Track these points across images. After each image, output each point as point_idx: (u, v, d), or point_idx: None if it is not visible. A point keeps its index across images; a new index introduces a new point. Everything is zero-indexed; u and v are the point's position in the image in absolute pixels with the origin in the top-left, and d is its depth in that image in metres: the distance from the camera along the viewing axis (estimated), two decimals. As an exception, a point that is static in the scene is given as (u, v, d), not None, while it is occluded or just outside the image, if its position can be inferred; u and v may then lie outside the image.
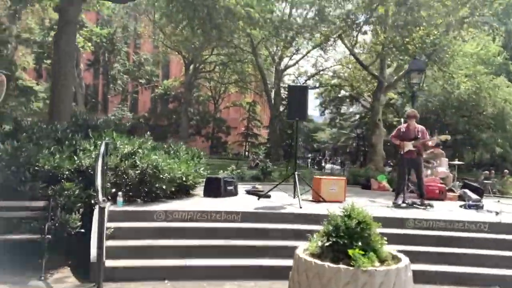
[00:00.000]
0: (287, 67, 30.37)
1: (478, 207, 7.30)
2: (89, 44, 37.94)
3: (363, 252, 3.73)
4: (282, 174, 12.35)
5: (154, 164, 6.19)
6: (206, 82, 43.46)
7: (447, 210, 7.18)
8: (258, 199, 7.34)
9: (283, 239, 5.44)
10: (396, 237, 5.66)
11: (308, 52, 29.03)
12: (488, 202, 8.76)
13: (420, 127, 7.75)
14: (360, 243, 3.81)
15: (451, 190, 9.37)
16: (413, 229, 5.90)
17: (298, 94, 7.21)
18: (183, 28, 20.54)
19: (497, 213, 6.22)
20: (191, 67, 37.60)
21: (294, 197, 7.10)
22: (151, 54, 38.57)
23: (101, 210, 4.54)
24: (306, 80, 31.83)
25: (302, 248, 4.19)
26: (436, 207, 7.44)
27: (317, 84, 32.21)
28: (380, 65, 17.89)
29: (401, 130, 7.58)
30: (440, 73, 14.27)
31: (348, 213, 4.08)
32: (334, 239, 3.90)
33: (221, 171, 11.63)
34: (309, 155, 39.61)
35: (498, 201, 7.46)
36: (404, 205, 7.19)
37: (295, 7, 20.21)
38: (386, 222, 5.97)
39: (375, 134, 17.88)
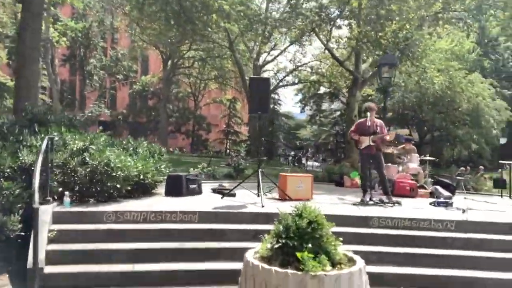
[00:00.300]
0: (265, 63, 30.05)
1: (447, 204, 7.12)
2: (64, 39, 36.96)
3: (313, 255, 3.46)
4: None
5: (106, 161, 5.80)
6: (185, 78, 42.91)
7: (415, 207, 6.99)
8: (222, 197, 7.02)
9: (240, 241, 5.13)
10: (359, 236, 5.44)
11: (286, 48, 28.81)
12: (460, 199, 8.67)
13: (379, 121, 7.54)
14: (311, 245, 3.53)
15: (422, 187, 9.21)
16: (378, 228, 5.65)
17: (260, 86, 6.85)
18: (155, 21, 20.08)
19: (463, 211, 6.03)
20: (169, 62, 37.02)
21: (258, 196, 6.81)
22: (128, 49, 37.70)
23: (36, 211, 4.16)
24: (284, 76, 31.60)
25: (253, 250, 3.91)
26: (404, 204, 7.25)
27: (296, 80, 31.95)
28: (355, 60, 17.73)
29: (362, 124, 7.36)
30: (413, 68, 14.17)
31: (300, 212, 3.79)
32: (283, 241, 3.61)
33: (192, 168, 11.24)
34: (291, 152, 39.44)
35: (465, 198, 7.32)
36: (371, 202, 6.98)
37: (271, 1, 19.86)
38: (350, 221, 5.78)
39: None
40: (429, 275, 4.81)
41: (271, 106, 38.17)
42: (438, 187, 8.95)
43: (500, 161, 10.88)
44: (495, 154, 22.40)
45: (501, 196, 10.24)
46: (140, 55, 47.17)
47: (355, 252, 4.94)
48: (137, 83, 45.23)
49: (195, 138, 44.40)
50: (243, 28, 18.36)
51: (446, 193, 8.73)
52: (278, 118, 38.67)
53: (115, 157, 6.03)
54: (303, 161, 29.85)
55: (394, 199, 7.21)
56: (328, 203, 7.05)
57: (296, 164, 30.12)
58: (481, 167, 17.61)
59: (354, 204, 6.85)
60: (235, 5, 15.42)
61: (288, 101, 73.33)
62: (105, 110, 43.06)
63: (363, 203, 6.97)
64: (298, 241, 3.59)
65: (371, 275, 4.68)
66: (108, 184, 5.85)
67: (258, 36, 20.71)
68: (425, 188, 9.13)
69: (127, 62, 44.69)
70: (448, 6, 19.10)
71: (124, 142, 7.47)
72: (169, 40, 29.11)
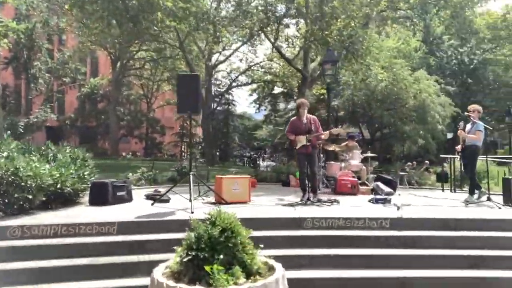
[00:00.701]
0: (218, 63, 29.61)
1: (385, 201, 7.02)
2: (6, 40, 34.86)
3: (226, 267, 3.11)
4: (202, 175, 11.61)
5: (13, 170, 5.19)
6: (136, 80, 41.69)
7: (354, 206, 6.82)
8: (153, 204, 6.55)
9: (162, 252, 4.69)
10: (291, 240, 5.17)
11: (238, 48, 28.52)
12: (403, 195, 8.67)
13: (312, 117, 7.39)
14: (223, 256, 3.17)
15: (364, 184, 9.13)
16: (311, 230, 5.39)
17: (189, 83, 6.42)
18: (97, 20, 19.15)
19: (398, 208, 5.90)
20: (118, 64, 35.79)
21: (190, 201, 6.39)
22: (74, 50, 36.08)
23: None
24: (237, 76, 31.33)
25: (165, 265, 3.50)
26: (344, 202, 7.09)
27: (249, 80, 31.73)
28: (304, 59, 17.68)
29: (296, 123, 7.15)
30: (358, 65, 14.25)
31: (213, 219, 3.43)
32: (194, 253, 3.23)
33: (131, 173, 10.67)
34: (248, 153, 39.24)
35: (399, 194, 7.28)
36: (309, 202, 6.74)
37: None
38: (283, 223, 5.50)
39: (301, 129, 17.62)
40: (359, 277, 4.58)
41: (226, 107, 37.86)
42: (379, 183, 8.87)
43: (441, 155, 11.04)
44: (442, 148, 23.13)
45: (443, 190, 10.38)
46: (89, 56, 45.48)
47: (286, 257, 4.67)
48: (86, 86, 43.47)
49: (148, 141, 43.19)
50: (190, 28, 17.82)
51: (387, 189, 8.66)
52: (233, 119, 38.30)
53: (25, 164, 5.43)
54: (258, 161, 29.64)
55: (333, 197, 7.04)
56: (264, 204, 6.76)
57: (251, 165, 29.90)
58: (426, 161, 18.01)
59: (291, 205, 6.58)
60: (177, 2, 14.83)
61: (244, 102, 73.15)
62: (51, 115, 40.98)
63: (301, 203, 6.72)
64: (210, 253, 3.22)
65: (299, 281, 4.43)
66: (16, 195, 5.24)
67: (207, 35, 20.23)
68: (367, 185, 9.05)
69: (74, 64, 42.84)
70: (392, 5, 19.54)
71: (43, 148, 6.82)
72: (116, 41, 28.12)
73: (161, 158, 34.13)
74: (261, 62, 28.79)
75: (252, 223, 5.07)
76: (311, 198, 6.84)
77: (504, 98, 28.83)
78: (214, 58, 29.42)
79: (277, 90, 35.85)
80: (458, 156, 8.39)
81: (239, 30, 18.54)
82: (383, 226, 5.52)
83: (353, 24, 14.35)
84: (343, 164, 9.63)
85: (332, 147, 9.80)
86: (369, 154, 9.93)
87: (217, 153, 36.49)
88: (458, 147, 8.07)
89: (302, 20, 16.68)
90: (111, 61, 38.22)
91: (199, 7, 16.86)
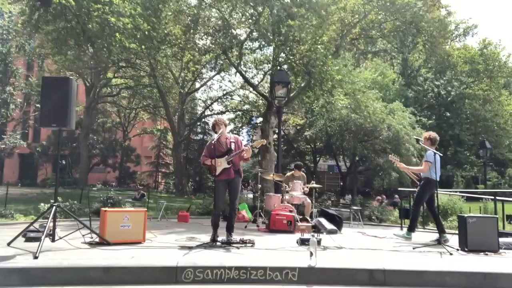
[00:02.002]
0: (191, 90, 28.66)
1: (312, 242, 5.72)
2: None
3: None
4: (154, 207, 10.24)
5: None
6: (114, 107, 40.54)
7: (269, 248, 5.51)
8: (9, 244, 5.17)
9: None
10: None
11: (212, 78, 27.74)
12: (349, 234, 7.43)
13: (234, 136, 6.27)
14: None
15: (305, 220, 7.85)
16: (191, 284, 4.09)
17: (57, 89, 5.18)
18: (52, 41, 18.15)
19: (311, 254, 4.59)
20: (92, 90, 34.75)
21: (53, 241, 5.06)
22: (37, 77, 35.03)
23: None
24: (210, 104, 30.40)
25: None
26: (263, 243, 5.81)
27: (224, 109, 30.77)
28: (270, 84, 16.72)
29: (213, 145, 5.92)
30: (319, 91, 13.27)
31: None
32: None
33: (42, 203, 9.22)
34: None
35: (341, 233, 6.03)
36: (215, 244, 5.44)
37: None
38: (154, 275, 4.18)
39: (265, 159, 16.42)
40: None
41: (202, 136, 36.63)
42: (322, 219, 7.67)
43: (399, 189, 9.92)
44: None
45: (401, 227, 9.14)
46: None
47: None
48: (60, 113, 42.20)
49: (122, 171, 41.58)
50: (145, 50, 16.88)
51: (330, 226, 7.45)
52: (208, 148, 37.01)
53: None
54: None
55: (247, 237, 5.75)
56: (155, 247, 5.39)
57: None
58: (396, 196, 16.81)
59: (190, 248, 5.26)
60: (136, 22, 13.71)
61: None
62: (20, 142, 39.43)
63: (204, 244, 5.41)
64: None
65: None
66: None
67: (168, 58, 19.29)
68: (307, 221, 7.77)
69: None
70: (364, 33, 18.90)
71: None
72: (87, 65, 27.15)
73: (134, 188, 32.52)
74: (234, 90, 27.94)
75: (108, 275, 3.78)
76: (219, 238, 5.55)
77: (482, 133, 28.15)
78: (188, 85, 28.45)
79: (259, 119, 34.89)
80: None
81: (201, 54, 17.60)
82: (289, 279, 4.25)
83: (318, 48, 13.40)
84: (286, 197, 8.37)
85: (270, 176, 8.51)
86: (314, 185, 8.63)
87: (191, 184, 35.00)
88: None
89: (265, 44, 15.83)
90: (85, 88, 37.24)
91: (159, 28, 15.94)
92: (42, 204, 8.96)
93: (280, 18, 12.09)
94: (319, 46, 13.37)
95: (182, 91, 27.20)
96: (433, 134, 7.02)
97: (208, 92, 33.62)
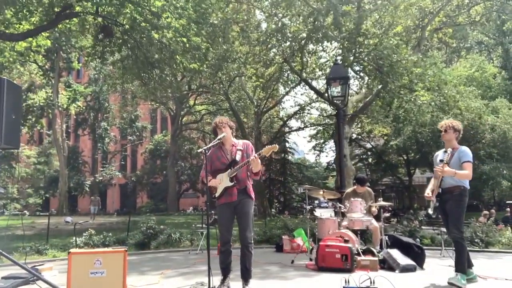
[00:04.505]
0: (267, 109, 27.67)
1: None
2: (77, 104, 36.95)
3: None
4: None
5: None
6: (198, 134, 41.42)
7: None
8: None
9: None
10: None
11: (287, 93, 26.54)
12: (435, 270, 5.46)
13: (243, 142, 4.50)
14: None
15: (370, 252, 5.89)
16: None
17: (6, 99, 3.90)
18: (120, 70, 18.51)
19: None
20: (176, 118, 35.79)
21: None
22: (120, 105, 37.03)
23: None
24: (285, 121, 29.08)
25: None
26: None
27: (302, 125, 29.21)
28: (327, 83, 14.93)
29: (213, 155, 4.43)
30: (393, 86, 11.09)
31: None
32: None
33: (74, 238, 8.54)
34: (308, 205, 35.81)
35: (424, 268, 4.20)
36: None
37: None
38: None
39: (341, 174, 14.54)
40: None
41: (282, 155, 35.28)
42: (393, 251, 5.72)
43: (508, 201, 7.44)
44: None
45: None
46: (150, 114, 46.86)
47: None
48: (150, 143, 44.27)
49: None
50: (209, 69, 16.34)
51: (404, 260, 5.50)
52: (291, 167, 35.55)
53: None
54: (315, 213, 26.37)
55: (278, 283, 4.14)
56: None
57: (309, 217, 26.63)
58: (508, 209, 13.55)
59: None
60: (198, 41, 12.99)
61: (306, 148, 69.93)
62: (116, 173, 41.93)
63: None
64: None
65: None
66: None
67: (231, 74, 18.59)
68: (372, 254, 5.82)
69: (141, 123, 44.17)
70: (449, 21, 16.25)
71: None
72: (171, 95, 27.84)
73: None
74: (310, 103, 26.35)
75: None
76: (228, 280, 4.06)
77: None
78: (263, 104, 27.58)
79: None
80: (431, 207, 4.73)
81: (264, 66, 16.47)
82: None
83: (391, 40, 11.39)
84: (345, 222, 6.51)
85: (320, 194, 6.66)
86: (382, 203, 6.58)
87: (276, 205, 33.68)
88: (428, 192, 4.82)
89: (329, 44, 14.20)
90: (170, 117, 38.51)
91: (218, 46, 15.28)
92: (74, 238, 8.25)
93: (336, 8, 10.43)
94: (392, 39, 11.39)
95: (256, 109, 26.42)
96: (458, 123, 4.81)
97: (285, 109, 32.54)
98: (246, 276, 4.21)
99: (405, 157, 29.40)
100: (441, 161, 4.56)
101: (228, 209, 4.33)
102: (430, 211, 4.80)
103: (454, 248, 4.66)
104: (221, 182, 4.32)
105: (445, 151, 4.66)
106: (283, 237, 8.00)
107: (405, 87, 11.20)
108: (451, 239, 4.67)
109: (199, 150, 4.45)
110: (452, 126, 4.65)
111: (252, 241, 4.28)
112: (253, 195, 4.42)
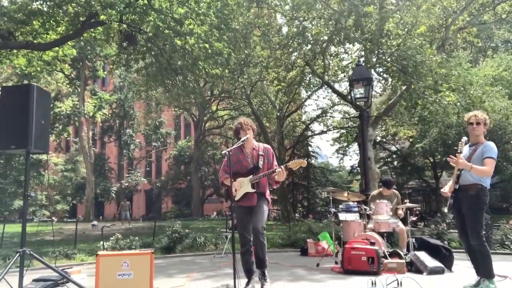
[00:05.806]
0: (289, 112, 27.58)
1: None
2: (103, 111, 37.74)
3: None
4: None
5: None
6: (221, 139, 41.71)
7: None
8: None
9: None
10: None
11: (309, 97, 26.42)
12: (463, 271, 5.28)
13: (263, 147, 4.50)
14: None
15: (396, 255, 5.78)
16: None
17: (16, 101, 4.08)
18: (143, 77, 18.82)
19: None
20: (199, 124, 36.13)
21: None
22: (144, 111, 37.67)
23: None
24: (308, 125, 28.89)
25: None
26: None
27: (325, 128, 29.00)
28: (349, 84, 14.78)
29: (234, 157, 4.42)
30: (417, 86, 10.85)
31: None
32: None
33: (101, 242, 8.68)
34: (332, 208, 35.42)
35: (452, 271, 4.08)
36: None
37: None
38: None
39: (365, 177, 14.36)
40: None
41: (306, 159, 35.08)
42: (421, 253, 5.60)
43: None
44: None
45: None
46: (174, 120, 47.42)
47: None
48: (174, 149, 44.81)
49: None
50: (233, 74, 16.42)
51: (432, 262, 5.37)
52: (314, 171, 35.26)
53: None
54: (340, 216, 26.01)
55: (307, 284, 4.11)
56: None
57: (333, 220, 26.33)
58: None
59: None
60: (221, 46, 13.09)
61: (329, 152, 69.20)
62: (141, 179, 42.57)
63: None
64: None
65: None
66: None
67: (253, 79, 18.62)
68: (399, 257, 5.70)
69: (165, 129, 44.78)
70: (474, 20, 15.86)
71: None
72: (194, 101, 28.11)
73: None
74: (332, 106, 26.15)
75: None
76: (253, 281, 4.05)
77: None
78: (285, 108, 27.53)
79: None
80: (447, 205, 4.33)
81: (285, 70, 16.47)
82: None
83: (415, 41, 11.22)
84: (370, 225, 6.41)
85: (344, 196, 6.56)
86: (409, 204, 6.47)
87: (300, 210, 33.51)
88: (445, 188, 4.49)
89: (351, 46, 14.09)
90: (193, 122, 38.90)
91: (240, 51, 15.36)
92: (101, 243, 8.40)
93: (358, 10, 10.34)
94: (415, 39, 11.20)
95: (278, 114, 26.38)
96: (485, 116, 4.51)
97: (308, 113, 32.42)
98: (260, 265, 4.26)
99: (432, 160, 28.73)
100: (456, 150, 4.22)
101: (247, 211, 4.38)
102: (446, 210, 4.56)
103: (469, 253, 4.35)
104: (242, 186, 4.35)
105: (471, 145, 4.34)
106: (308, 240, 7.94)
107: (429, 88, 10.97)
108: (474, 248, 4.19)
109: (223, 152, 4.49)
110: (485, 119, 4.30)
111: (264, 232, 4.29)
112: (269, 198, 4.50)
